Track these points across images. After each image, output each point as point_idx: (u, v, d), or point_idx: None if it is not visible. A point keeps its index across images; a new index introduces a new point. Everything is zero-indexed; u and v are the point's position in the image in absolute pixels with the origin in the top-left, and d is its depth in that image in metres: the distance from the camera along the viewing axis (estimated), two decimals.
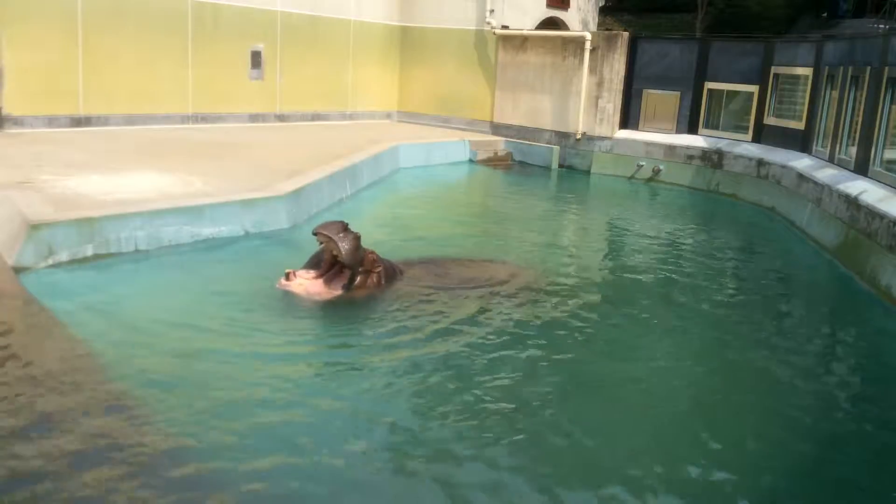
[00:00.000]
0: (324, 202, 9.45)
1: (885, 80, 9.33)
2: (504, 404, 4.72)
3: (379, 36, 17.44)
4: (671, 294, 7.54)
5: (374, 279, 6.47)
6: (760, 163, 12.69)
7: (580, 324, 6.29)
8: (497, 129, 16.57)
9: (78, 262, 6.56)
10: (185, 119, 14.04)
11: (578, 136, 15.29)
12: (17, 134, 11.55)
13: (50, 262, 6.40)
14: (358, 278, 6.35)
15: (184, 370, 4.85)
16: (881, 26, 19.40)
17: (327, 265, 6.34)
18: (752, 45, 14.00)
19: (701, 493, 3.98)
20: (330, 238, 6.12)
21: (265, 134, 13.84)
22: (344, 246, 6.10)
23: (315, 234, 6.22)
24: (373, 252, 6.51)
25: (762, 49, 13.64)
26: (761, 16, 23.86)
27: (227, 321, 5.80)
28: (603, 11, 22.22)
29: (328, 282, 6.30)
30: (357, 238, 6.24)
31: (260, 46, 15.04)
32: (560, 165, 15.50)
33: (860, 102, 10.12)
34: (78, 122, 12.55)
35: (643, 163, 14.52)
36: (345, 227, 6.23)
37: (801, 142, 12.46)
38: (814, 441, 4.67)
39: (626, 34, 15.14)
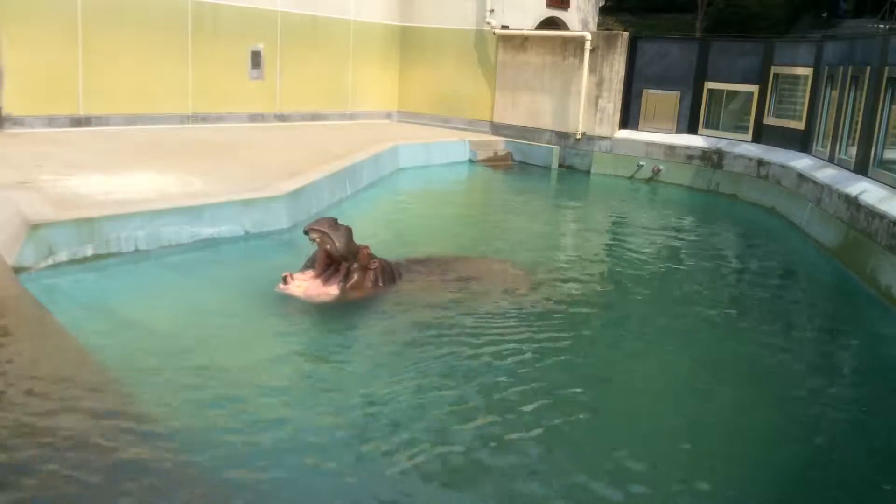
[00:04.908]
0: (323, 202, 9.45)
1: (885, 80, 9.33)
2: (504, 404, 4.72)
3: (379, 36, 17.44)
4: (671, 294, 7.54)
5: (372, 277, 6.46)
6: (760, 163, 12.69)
7: (581, 323, 6.30)
8: (497, 129, 16.57)
9: (78, 262, 6.56)
10: (185, 119, 14.03)
11: (578, 136, 15.29)
12: (17, 134, 11.55)
13: (50, 262, 6.39)
14: (355, 276, 6.33)
15: (183, 371, 4.85)
16: (881, 26, 19.41)
17: (322, 264, 6.33)
18: (752, 45, 14.00)
19: (700, 492, 3.97)
20: (322, 231, 6.13)
21: (265, 134, 13.83)
22: (336, 237, 6.12)
23: (306, 231, 6.23)
24: (366, 247, 6.51)
25: (762, 49, 13.63)
26: (761, 16, 23.90)
27: (226, 322, 5.81)
28: (603, 11, 22.22)
29: (325, 281, 6.30)
30: (349, 230, 6.27)
31: (260, 46, 15.04)
32: (560, 165, 15.49)
33: (860, 102, 10.12)
34: (78, 122, 12.55)
35: (643, 163, 14.52)
36: (335, 222, 6.27)
37: (800, 142, 12.46)
38: (812, 440, 4.68)
39: (625, 34, 15.14)
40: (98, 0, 12.47)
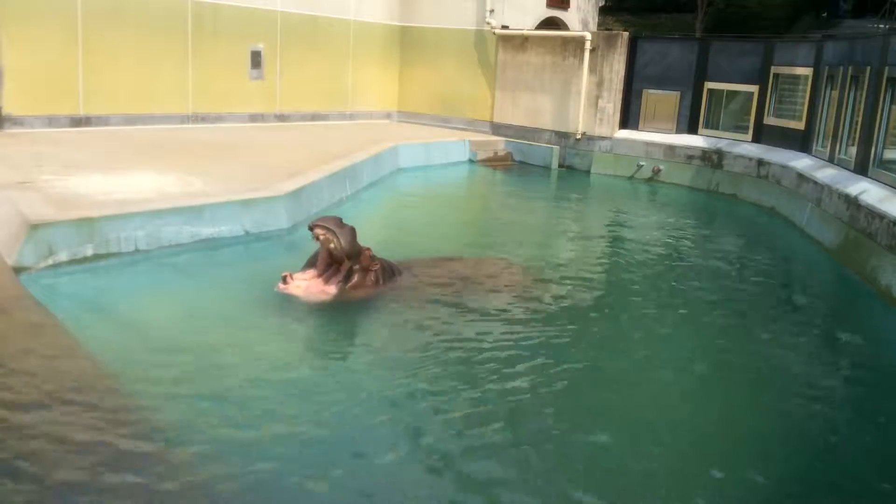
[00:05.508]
0: (324, 202, 9.45)
1: (885, 80, 9.33)
2: (504, 404, 4.72)
3: (379, 36, 17.44)
4: (671, 293, 7.54)
5: (373, 277, 6.46)
6: (760, 163, 12.69)
7: (580, 323, 6.30)
8: (497, 129, 16.57)
9: (78, 262, 6.56)
10: (185, 119, 14.03)
11: (578, 136, 15.29)
12: (17, 134, 11.55)
13: (50, 262, 6.40)
14: (356, 276, 6.34)
15: (182, 371, 4.85)
16: (881, 26, 19.41)
17: (324, 263, 6.33)
18: (752, 45, 14.00)
19: (699, 492, 3.97)
20: (327, 228, 6.13)
21: (265, 134, 13.84)
22: (341, 234, 6.12)
23: (311, 228, 6.22)
24: (369, 249, 6.51)
25: (762, 49, 13.63)
26: (761, 16, 23.92)
27: (226, 322, 5.81)
28: (603, 11, 22.22)
29: (326, 280, 6.30)
30: (353, 230, 6.27)
31: (260, 46, 15.04)
32: (560, 165, 15.50)
33: (860, 102, 10.12)
34: (78, 122, 12.55)
35: (643, 163, 14.52)
36: (340, 220, 6.27)
37: (800, 142, 12.46)
38: (812, 440, 4.68)
39: (626, 34, 15.14)
40: (98, 0, 12.48)
